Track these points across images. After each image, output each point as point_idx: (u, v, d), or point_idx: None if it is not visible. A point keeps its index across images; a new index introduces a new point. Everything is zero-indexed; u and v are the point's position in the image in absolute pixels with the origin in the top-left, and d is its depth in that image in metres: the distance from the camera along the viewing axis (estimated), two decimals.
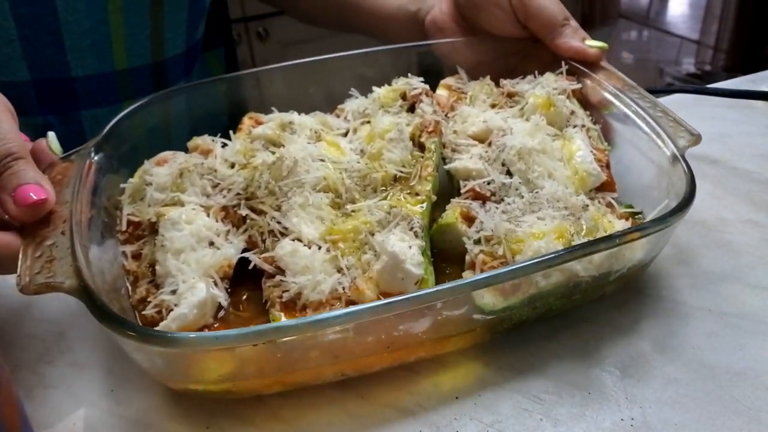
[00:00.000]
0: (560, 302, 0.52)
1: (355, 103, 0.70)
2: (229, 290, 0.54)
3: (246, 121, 0.68)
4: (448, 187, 0.64)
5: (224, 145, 0.64)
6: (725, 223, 0.65)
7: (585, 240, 0.52)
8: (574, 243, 0.52)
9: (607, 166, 0.63)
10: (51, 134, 0.58)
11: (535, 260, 0.47)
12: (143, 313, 0.51)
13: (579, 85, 0.68)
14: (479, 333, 0.52)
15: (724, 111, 0.87)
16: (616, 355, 0.52)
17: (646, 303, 0.57)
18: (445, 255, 0.58)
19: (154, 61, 0.81)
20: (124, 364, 0.54)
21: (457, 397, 0.50)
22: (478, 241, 0.55)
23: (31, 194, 0.51)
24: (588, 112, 0.67)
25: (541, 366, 0.52)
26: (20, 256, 0.49)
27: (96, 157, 0.58)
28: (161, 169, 0.60)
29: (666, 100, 0.91)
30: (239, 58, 1.14)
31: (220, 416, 0.50)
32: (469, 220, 0.57)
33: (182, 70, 0.86)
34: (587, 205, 0.56)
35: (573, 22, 0.71)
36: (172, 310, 0.50)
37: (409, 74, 0.70)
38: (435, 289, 0.46)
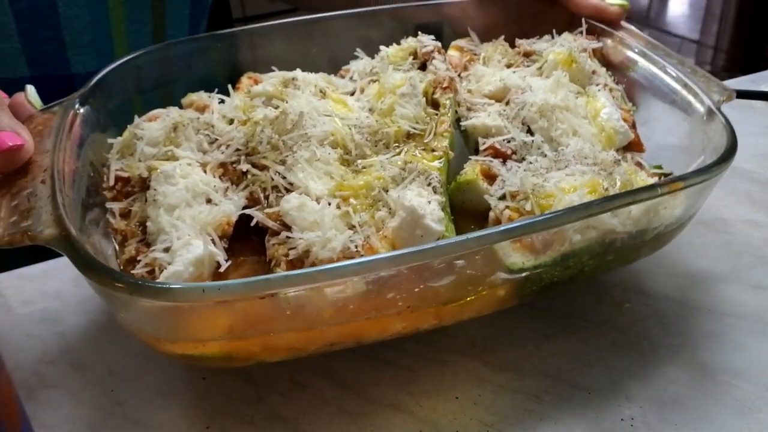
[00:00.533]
0: (593, 262, 0.48)
1: (361, 63, 0.65)
2: (228, 250, 0.49)
3: (244, 80, 0.63)
4: (463, 152, 0.59)
5: (222, 102, 0.59)
6: (725, 223, 0.64)
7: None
8: None
9: (633, 126, 0.58)
10: (30, 87, 0.54)
11: (575, 208, 0.42)
12: (132, 272, 0.46)
13: (600, 44, 0.64)
14: (506, 296, 0.48)
15: (724, 111, 0.84)
16: (616, 355, 0.51)
17: (646, 303, 0.56)
18: (464, 217, 0.53)
19: None
20: (124, 364, 0.52)
21: (457, 397, 0.49)
22: (502, 198, 0.50)
23: (6, 140, 0.46)
24: (609, 73, 0.63)
25: (541, 366, 0.51)
26: None
27: (82, 110, 0.53)
28: (153, 123, 0.55)
29: None
30: None
31: (220, 416, 0.48)
32: (490, 178, 0.53)
33: None
34: (619, 160, 0.51)
35: None
36: (165, 269, 0.45)
37: (419, 33, 0.66)
38: (461, 238, 0.41)
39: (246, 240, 0.51)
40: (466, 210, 0.53)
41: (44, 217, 0.42)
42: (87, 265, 0.39)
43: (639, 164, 0.56)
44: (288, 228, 0.47)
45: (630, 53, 0.62)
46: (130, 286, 0.37)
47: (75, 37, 0.73)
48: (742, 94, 0.86)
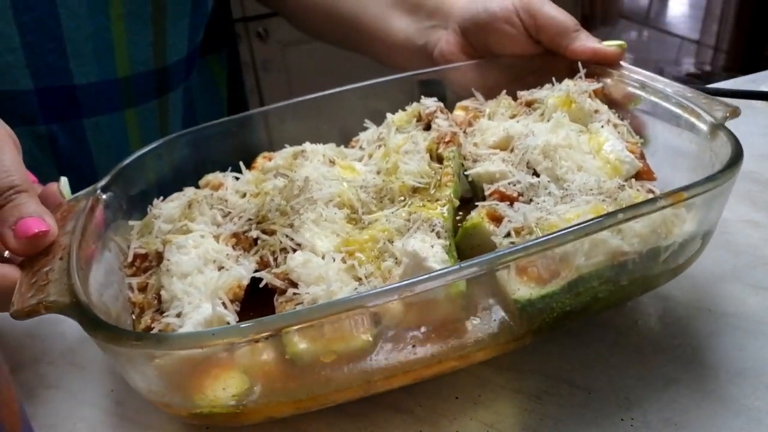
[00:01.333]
0: (606, 288, 0.46)
1: (368, 132, 0.67)
2: (240, 314, 0.49)
3: (260, 160, 0.67)
4: (470, 202, 0.60)
5: (237, 179, 0.62)
6: (725, 223, 0.64)
7: None
8: None
9: (642, 157, 0.58)
10: (63, 179, 0.57)
11: (574, 227, 0.41)
12: None
13: (600, 84, 0.64)
14: (519, 332, 0.46)
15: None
16: (616, 355, 0.51)
17: (646, 303, 0.55)
18: None
19: (157, 67, 0.81)
20: None
21: (457, 397, 0.49)
22: (507, 235, 0.50)
23: (33, 227, 0.49)
24: (614, 110, 0.63)
25: (541, 366, 0.50)
26: (17, 285, 0.46)
27: (104, 196, 0.56)
28: (170, 203, 0.58)
29: None
30: (240, 59, 1.13)
31: None
32: (497, 220, 0.53)
33: (183, 75, 0.85)
34: (623, 185, 0.51)
35: (583, 29, 0.69)
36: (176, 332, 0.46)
37: (423, 97, 0.68)
38: (455, 266, 0.41)
39: (258, 305, 0.51)
40: (475, 255, 0.52)
41: (59, 288, 0.44)
42: (92, 324, 0.40)
43: (651, 191, 0.54)
44: (295, 285, 0.48)
45: (630, 89, 0.62)
46: (130, 339, 0.38)
47: (77, 48, 0.75)
48: (742, 94, 0.85)
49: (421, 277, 0.40)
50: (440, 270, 0.41)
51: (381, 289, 0.40)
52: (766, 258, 0.59)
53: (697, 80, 2.61)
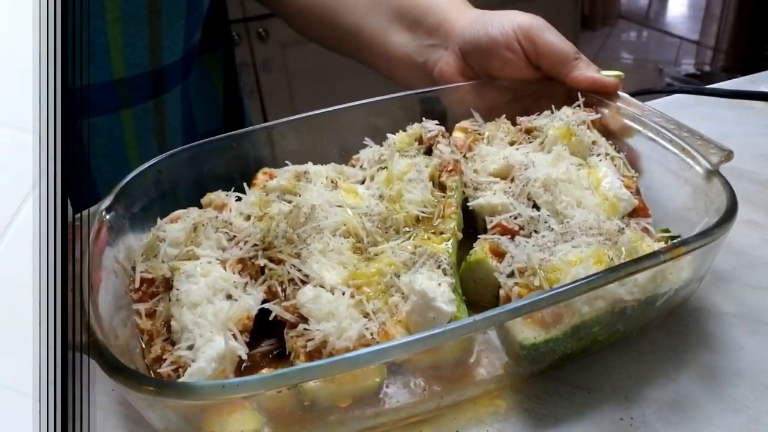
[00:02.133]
0: (606, 332, 0.49)
1: (369, 151, 0.68)
2: (249, 344, 0.50)
3: (260, 176, 0.67)
4: (471, 230, 0.61)
5: (239, 199, 0.62)
6: None
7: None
8: None
9: (637, 192, 0.60)
10: None
11: (580, 282, 0.43)
12: (159, 371, 0.48)
13: (598, 115, 0.66)
14: (521, 371, 0.48)
15: (723, 111, 0.88)
16: (615, 356, 0.51)
17: None
18: (476, 296, 0.55)
19: (153, 69, 0.80)
20: None
21: None
22: (511, 275, 0.51)
23: None
24: (610, 142, 0.65)
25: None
26: None
27: (107, 216, 0.56)
28: (175, 225, 0.58)
29: (666, 101, 0.92)
30: (239, 59, 1.11)
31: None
32: (499, 255, 0.54)
33: (179, 76, 0.84)
34: (623, 228, 0.53)
35: (584, 57, 0.70)
36: (189, 366, 0.47)
37: (424, 119, 0.69)
38: (469, 320, 0.42)
39: (266, 334, 0.52)
40: (478, 290, 0.54)
41: (74, 324, 0.44)
42: (111, 368, 0.41)
43: (646, 230, 0.56)
44: (305, 320, 0.49)
45: (628, 121, 0.64)
46: (151, 386, 0.39)
47: None
48: (742, 94, 0.88)
49: (436, 331, 0.41)
50: (455, 325, 0.42)
51: (400, 342, 0.41)
52: (765, 258, 0.60)
53: (697, 80, 2.64)
